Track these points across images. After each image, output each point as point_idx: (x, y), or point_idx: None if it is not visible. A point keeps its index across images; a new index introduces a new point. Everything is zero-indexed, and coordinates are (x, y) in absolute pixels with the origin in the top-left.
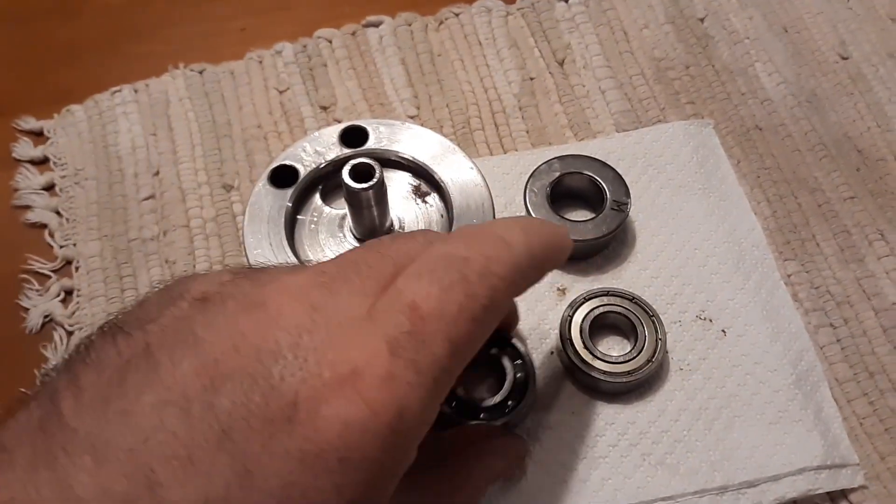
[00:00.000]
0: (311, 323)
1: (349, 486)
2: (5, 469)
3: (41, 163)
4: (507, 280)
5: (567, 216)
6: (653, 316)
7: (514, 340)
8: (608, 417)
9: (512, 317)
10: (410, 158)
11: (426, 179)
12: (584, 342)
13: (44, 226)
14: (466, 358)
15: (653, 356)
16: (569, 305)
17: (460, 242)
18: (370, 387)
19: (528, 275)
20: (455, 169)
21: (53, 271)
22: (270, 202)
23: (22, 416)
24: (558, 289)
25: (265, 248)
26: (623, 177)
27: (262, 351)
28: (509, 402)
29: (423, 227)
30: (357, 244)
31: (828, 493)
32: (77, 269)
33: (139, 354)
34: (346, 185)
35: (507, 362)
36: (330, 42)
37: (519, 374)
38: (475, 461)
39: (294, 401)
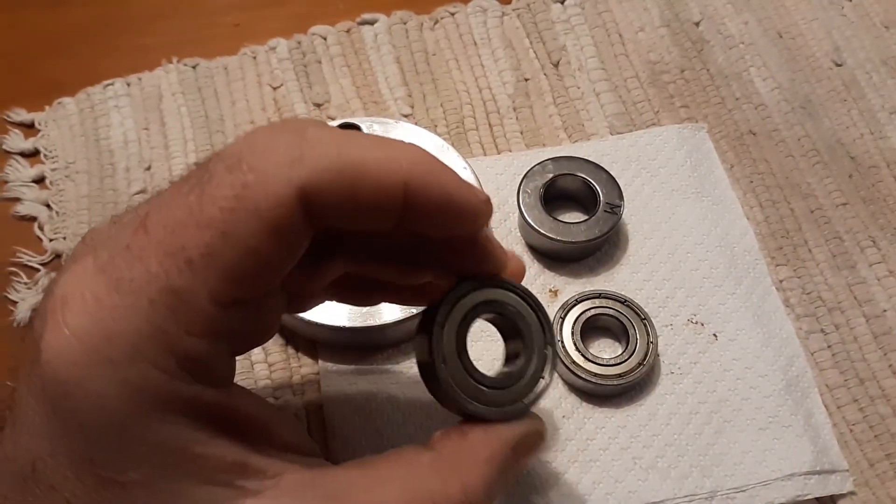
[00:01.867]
0: (77, 254)
1: (90, 422)
2: None
3: (31, 155)
4: (272, 176)
5: (560, 218)
6: (644, 319)
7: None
8: (599, 421)
9: (486, 257)
10: None
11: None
12: (575, 344)
13: (33, 218)
14: (218, 281)
15: (644, 359)
16: (560, 307)
17: (240, 137)
18: (73, 311)
19: (339, 190)
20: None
21: (42, 264)
22: None
23: None
24: (550, 290)
25: None
26: (616, 179)
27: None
28: (542, 375)
29: None
30: None
31: (817, 498)
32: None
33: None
34: None
35: (529, 315)
36: (324, 39)
37: (546, 334)
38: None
39: (39, 336)
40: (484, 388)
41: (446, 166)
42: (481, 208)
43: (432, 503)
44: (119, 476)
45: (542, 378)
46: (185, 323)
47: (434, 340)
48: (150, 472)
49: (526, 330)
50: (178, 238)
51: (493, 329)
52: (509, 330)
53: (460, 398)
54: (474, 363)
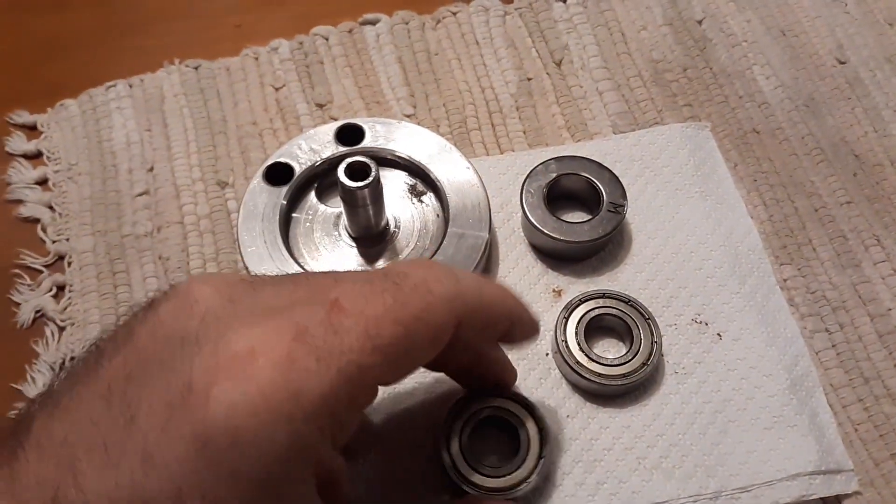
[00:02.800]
0: (222, 310)
1: (244, 471)
2: None
3: (34, 157)
4: (444, 301)
5: (563, 217)
6: (648, 319)
7: (533, 403)
8: (603, 421)
9: (504, 370)
10: (407, 157)
11: (422, 179)
12: (579, 345)
13: (36, 220)
14: (390, 365)
15: (648, 359)
16: (564, 307)
17: (406, 263)
18: (263, 367)
19: (475, 314)
20: (451, 168)
21: (46, 266)
22: (265, 199)
23: (4, 421)
24: (554, 290)
25: (259, 246)
26: (620, 179)
27: (172, 337)
28: (530, 477)
29: (419, 227)
30: (352, 243)
31: (822, 498)
32: (69, 264)
33: (93, 356)
34: (341, 183)
35: (530, 429)
36: (326, 39)
37: (542, 446)
38: None
39: (189, 382)
40: (482, 476)
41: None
42: (537, 327)
43: None
44: None
45: (528, 482)
46: (356, 396)
47: (442, 443)
48: None
49: (524, 437)
50: (375, 327)
51: None
52: (511, 433)
53: (462, 485)
54: (468, 458)
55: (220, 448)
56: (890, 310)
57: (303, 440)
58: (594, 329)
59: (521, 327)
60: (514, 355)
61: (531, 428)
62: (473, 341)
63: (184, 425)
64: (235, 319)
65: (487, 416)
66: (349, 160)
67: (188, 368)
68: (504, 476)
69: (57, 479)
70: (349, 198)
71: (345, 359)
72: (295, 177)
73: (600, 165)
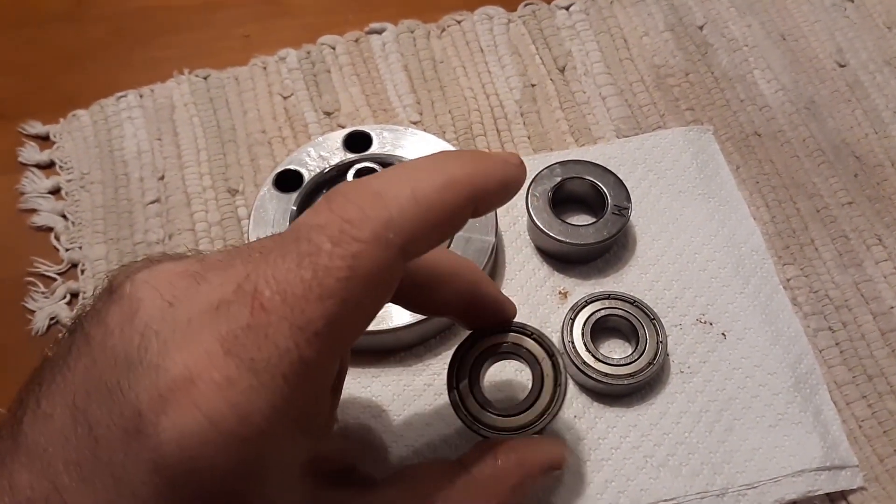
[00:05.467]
0: (161, 321)
1: (208, 491)
2: None
3: (47, 167)
4: (374, 243)
5: (568, 220)
6: (654, 319)
7: (536, 330)
8: (610, 420)
9: (502, 305)
10: None
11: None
12: (585, 345)
13: (50, 229)
14: (336, 341)
15: (654, 359)
16: (570, 309)
17: (321, 207)
18: (203, 393)
19: (420, 230)
20: None
21: (59, 274)
22: (275, 206)
23: (11, 409)
24: (560, 292)
25: None
26: (624, 182)
27: (118, 354)
28: (550, 408)
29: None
30: None
31: (827, 494)
32: (83, 271)
33: (64, 352)
34: None
35: (544, 365)
36: (333, 49)
37: (556, 381)
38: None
39: (139, 411)
40: (495, 416)
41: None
42: (510, 180)
43: None
44: None
45: (550, 413)
46: (315, 391)
47: (450, 375)
48: None
49: (535, 370)
50: (303, 312)
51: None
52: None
53: (472, 425)
54: (486, 395)
55: (178, 474)
56: (892, 308)
57: (265, 455)
58: (600, 330)
59: (494, 195)
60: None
61: (545, 363)
62: (441, 263)
63: (142, 452)
64: (172, 335)
65: (499, 353)
66: (357, 166)
67: (135, 395)
68: (516, 415)
69: (45, 491)
70: None
71: (285, 362)
72: (304, 183)
73: (604, 169)
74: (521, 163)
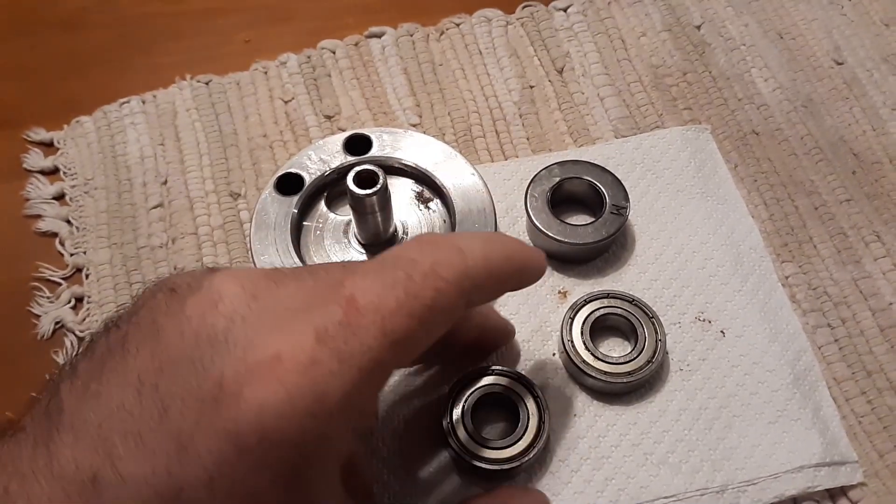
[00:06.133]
0: (247, 309)
1: (273, 467)
2: (20, 446)
3: (51, 173)
4: (454, 285)
5: (567, 220)
6: (652, 318)
7: (526, 375)
8: (610, 418)
9: (501, 332)
10: (413, 165)
11: (429, 186)
12: (585, 344)
13: (54, 234)
14: (406, 354)
15: (653, 357)
16: (570, 308)
17: (413, 247)
18: (289, 371)
19: (484, 285)
20: (457, 175)
21: (64, 279)
22: (277, 209)
23: (37, 401)
24: (559, 292)
25: (272, 255)
26: (622, 181)
27: (200, 335)
28: (532, 448)
29: (427, 232)
30: (362, 250)
31: (827, 490)
32: (87, 276)
33: (118, 342)
34: (350, 191)
35: (528, 403)
36: (333, 53)
37: (541, 418)
38: None
39: (220, 382)
40: (483, 447)
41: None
42: (542, 265)
43: None
44: None
45: (535, 449)
46: (374, 391)
47: (444, 419)
48: None
49: (523, 410)
50: (391, 323)
51: None
52: (512, 408)
53: (461, 454)
54: (475, 428)
55: (249, 444)
56: (891, 304)
57: (326, 436)
58: (599, 328)
59: (527, 276)
60: (521, 357)
61: (530, 403)
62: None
63: (216, 421)
64: (260, 322)
65: (486, 395)
66: (358, 169)
67: (219, 369)
68: (505, 448)
69: (95, 463)
70: (358, 205)
71: (365, 357)
72: (305, 186)
73: (603, 169)
74: (544, 259)
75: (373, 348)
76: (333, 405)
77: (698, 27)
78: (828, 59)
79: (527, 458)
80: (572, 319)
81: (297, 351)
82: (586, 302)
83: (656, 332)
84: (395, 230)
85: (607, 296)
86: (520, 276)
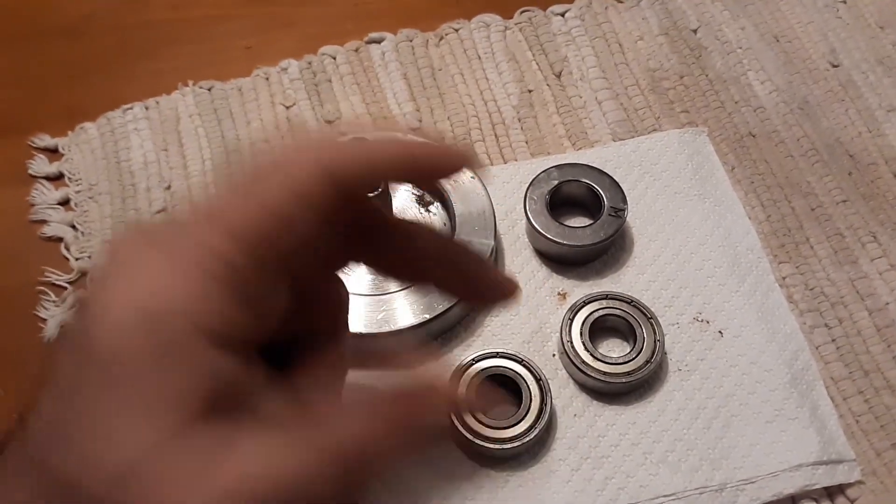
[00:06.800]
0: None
1: (106, 360)
2: None
3: (56, 178)
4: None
5: (566, 223)
6: (651, 318)
7: (525, 358)
8: (609, 418)
9: (481, 271)
10: None
11: (429, 189)
12: (584, 345)
13: (60, 239)
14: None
15: (651, 357)
16: (569, 309)
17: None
18: (120, 273)
19: (356, 159)
20: (457, 179)
21: (69, 283)
22: None
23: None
24: (559, 293)
25: None
26: (620, 184)
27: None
28: (533, 429)
29: None
30: None
31: (825, 488)
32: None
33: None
34: None
35: (531, 385)
36: (334, 58)
37: (542, 400)
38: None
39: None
40: (484, 426)
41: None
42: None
43: None
44: None
45: (536, 430)
46: (229, 287)
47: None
48: None
49: (525, 393)
50: (226, 213)
51: None
52: (515, 390)
53: (466, 437)
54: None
55: (92, 349)
56: (887, 304)
57: (167, 335)
58: (598, 329)
59: (429, 161)
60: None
61: (532, 385)
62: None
63: (75, 341)
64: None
65: (490, 376)
66: None
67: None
68: (507, 428)
69: None
70: None
71: (203, 254)
72: None
73: (601, 172)
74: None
75: (206, 243)
76: (168, 302)
77: (695, 31)
78: (823, 62)
79: (528, 439)
80: (571, 321)
81: (130, 255)
82: (585, 303)
83: (655, 333)
84: None
85: (606, 297)
86: (413, 162)
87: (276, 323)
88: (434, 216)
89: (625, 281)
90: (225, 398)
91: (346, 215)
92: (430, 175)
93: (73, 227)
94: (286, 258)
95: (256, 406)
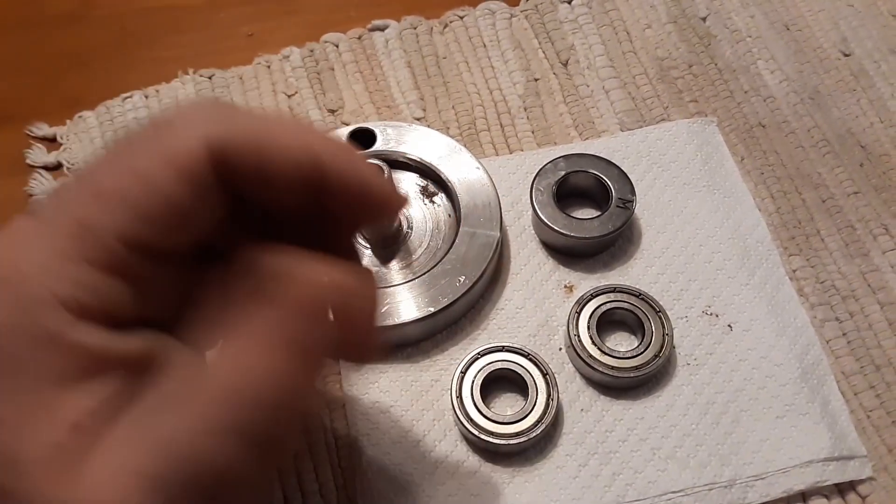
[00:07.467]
0: None
1: None
2: None
3: (55, 168)
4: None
5: (573, 214)
6: (659, 312)
7: (531, 352)
8: (617, 413)
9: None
10: (418, 159)
11: (433, 180)
12: (591, 338)
13: None
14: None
15: (660, 351)
16: (576, 302)
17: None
18: None
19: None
20: (462, 169)
21: None
22: None
23: None
24: (566, 286)
25: None
26: (628, 175)
27: None
28: (539, 424)
29: (432, 227)
30: (366, 244)
31: (836, 484)
32: None
33: None
34: None
35: (538, 380)
36: (337, 46)
37: (549, 395)
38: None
39: None
40: (490, 421)
41: (364, 160)
42: (393, 196)
43: None
44: None
45: (542, 424)
46: (88, 252)
47: (453, 390)
48: None
49: (531, 387)
50: (97, 178)
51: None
52: (521, 385)
53: (469, 426)
54: (484, 404)
55: None
56: None
57: (24, 296)
58: (606, 323)
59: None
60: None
61: (539, 381)
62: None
63: None
64: None
65: (496, 371)
66: None
67: None
68: (513, 423)
69: None
70: None
71: (63, 216)
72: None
73: (608, 162)
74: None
75: (69, 206)
76: (23, 263)
77: (704, 19)
78: (835, 51)
79: (534, 434)
80: (579, 314)
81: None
82: (593, 296)
83: (663, 327)
84: (400, 224)
85: (614, 290)
86: (317, 170)
87: (169, 290)
88: (439, 207)
89: (633, 273)
90: (90, 372)
91: (230, 191)
92: (334, 190)
93: None
94: (154, 223)
95: (149, 377)
